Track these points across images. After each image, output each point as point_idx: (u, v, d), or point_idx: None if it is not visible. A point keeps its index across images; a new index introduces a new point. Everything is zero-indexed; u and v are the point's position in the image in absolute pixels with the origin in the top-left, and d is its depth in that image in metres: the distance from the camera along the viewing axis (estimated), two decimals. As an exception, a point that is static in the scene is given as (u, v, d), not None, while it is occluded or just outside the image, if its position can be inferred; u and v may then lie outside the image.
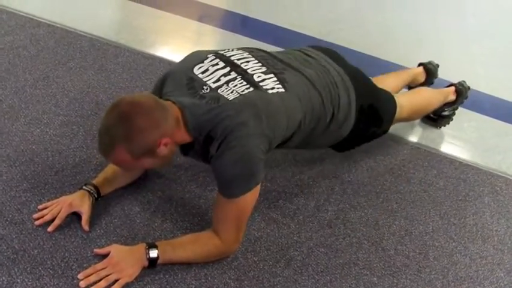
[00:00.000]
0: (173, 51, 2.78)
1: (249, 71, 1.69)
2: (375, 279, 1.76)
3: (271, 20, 3.21)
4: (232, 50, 1.79)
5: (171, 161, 1.66)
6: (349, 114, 1.89)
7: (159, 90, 1.70)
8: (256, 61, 1.75)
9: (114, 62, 2.53)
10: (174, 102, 1.58)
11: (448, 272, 1.84)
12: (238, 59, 1.73)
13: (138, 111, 1.48)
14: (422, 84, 2.56)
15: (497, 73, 3.13)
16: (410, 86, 2.55)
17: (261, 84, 1.65)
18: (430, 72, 2.58)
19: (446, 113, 2.46)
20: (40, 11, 2.80)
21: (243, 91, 1.60)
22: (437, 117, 2.48)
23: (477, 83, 2.85)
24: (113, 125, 1.48)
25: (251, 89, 1.62)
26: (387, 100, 2.09)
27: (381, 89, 2.09)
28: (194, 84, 1.62)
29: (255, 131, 1.55)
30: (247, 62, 1.73)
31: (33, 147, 1.98)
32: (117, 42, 2.68)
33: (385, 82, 2.31)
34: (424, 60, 2.62)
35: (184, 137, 1.58)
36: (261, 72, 1.70)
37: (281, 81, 1.70)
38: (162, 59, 2.61)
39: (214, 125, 1.54)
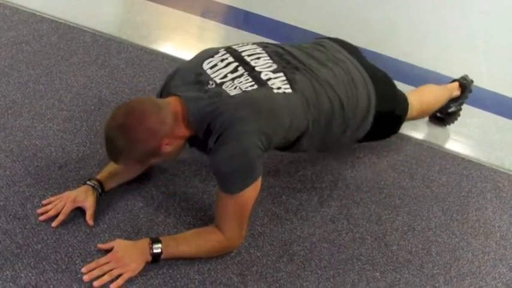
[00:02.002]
0: (176, 47, 2.78)
1: (257, 68, 1.69)
2: (378, 274, 1.76)
3: (274, 16, 3.20)
4: (247, 44, 1.79)
5: (181, 152, 1.72)
6: (366, 119, 1.86)
7: (167, 85, 1.71)
8: (268, 57, 1.74)
9: (117, 57, 2.53)
10: (178, 96, 1.60)
11: (450, 267, 1.84)
12: (249, 55, 1.73)
13: (134, 122, 1.51)
14: (458, 98, 2.46)
15: (500, 70, 3.13)
16: None
17: (268, 83, 1.65)
18: (464, 87, 2.45)
19: (452, 109, 2.45)
20: (43, 6, 2.80)
21: (246, 88, 1.60)
22: (444, 116, 2.47)
23: (480, 80, 2.85)
24: (113, 137, 1.53)
25: (255, 86, 1.61)
26: (403, 102, 2.06)
27: (398, 90, 2.06)
28: (201, 79, 1.63)
29: (253, 127, 1.55)
30: (258, 58, 1.73)
31: (37, 142, 1.99)
32: (120, 38, 2.68)
33: (424, 99, 2.30)
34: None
35: (184, 131, 1.59)
36: (270, 71, 1.69)
37: (290, 81, 1.68)
38: (165, 54, 2.61)
39: (213, 118, 1.55)
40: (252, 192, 1.61)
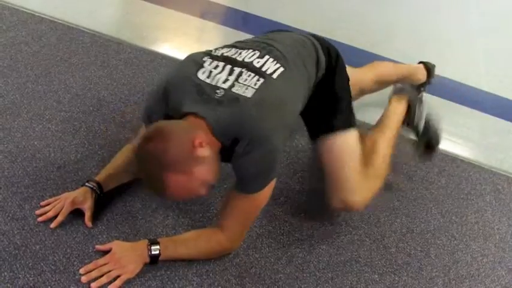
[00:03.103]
0: (175, 48, 2.78)
1: (246, 59, 1.68)
2: (376, 276, 1.76)
3: (273, 17, 3.20)
4: (219, 48, 1.76)
5: (220, 169, 1.58)
6: (319, 58, 1.86)
7: (164, 104, 1.62)
8: (246, 49, 1.74)
9: (116, 58, 2.52)
10: (194, 114, 1.53)
11: (449, 270, 1.84)
12: (231, 54, 1.72)
13: (156, 140, 1.43)
14: (423, 84, 2.52)
15: (499, 72, 3.13)
16: None
17: (263, 70, 1.64)
18: (429, 71, 2.55)
19: (422, 122, 2.18)
20: (42, 7, 2.80)
21: (255, 84, 1.58)
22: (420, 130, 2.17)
23: (479, 82, 2.85)
24: (148, 168, 1.44)
25: (261, 79, 1.61)
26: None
27: None
28: (205, 90, 1.58)
29: (278, 124, 1.56)
30: (240, 53, 1.72)
31: (35, 143, 1.98)
32: (119, 39, 2.68)
33: (382, 65, 2.37)
34: (425, 58, 2.62)
35: (214, 141, 1.53)
36: (257, 57, 1.69)
37: (276, 59, 1.70)
38: (164, 55, 2.61)
39: (239, 128, 1.51)
40: (267, 191, 1.61)
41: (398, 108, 2.14)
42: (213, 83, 1.59)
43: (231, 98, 1.55)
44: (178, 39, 2.93)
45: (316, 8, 3.43)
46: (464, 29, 3.57)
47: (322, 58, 1.86)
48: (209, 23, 3.13)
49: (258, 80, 1.60)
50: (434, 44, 3.28)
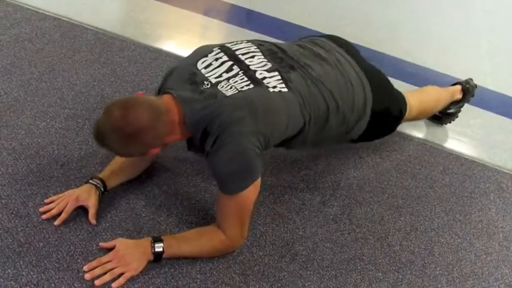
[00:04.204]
0: (179, 45, 2.78)
1: (251, 67, 1.67)
2: (380, 274, 1.76)
3: (277, 15, 3.20)
4: (241, 43, 1.77)
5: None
6: (363, 117, 1.84)
7: (165, 83, 1.70)
8: (263, 57, 1.72)
9: (120, 55, 2.52)
10: (173, 97, 1.58)
11: (453, 268, 1.83)
12: (243, 54, 1.71)
13: (130, 132, 1.47)
14: (459, 101, 2.44)
15: (505, 70, 3.12)
16: None
17: (263, 82, 1.63)
18: (466, 91, 2.43)
19: (452, 111, 2.44)
20: (46, 4, 2.80)
21: (242, 87, 1.58)
22: (442, 115, 2.46)
23: (484, 80, 2.84)
24: (106, 136, 1.51)
25: (251, 85, 1.60)
26: (401, 102, 2.02)
27: (396, 90, 2.03)
28: (196, 79, 1.61)
29: (250, 128, 1.54)
30: (253, 57, 1.71)
31: (39, 140, 1.99)
32: (123, 36, 2.68)
33: (424, 100, 2.28)
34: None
35: (180, 135, 1.59)
36: (265, 70, 1.67)
37: (285, 80, 1.66)
38: (168, 53, 2.61)
39: (210, 120, 1.53)
40: (251, 193, 1.60)
41: (457, 95, 2.40)
42: (206, 75, 1.62)
43: (212, 93, 1.57)
44: (182, 37, 2.92)
45: (320, 5, 3.42)
46: (469, 27, 3.56)
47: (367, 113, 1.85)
48: (213, 20, 3.12)
49: (247, 85, 1.59)
50: (439, 42, 3.27)
